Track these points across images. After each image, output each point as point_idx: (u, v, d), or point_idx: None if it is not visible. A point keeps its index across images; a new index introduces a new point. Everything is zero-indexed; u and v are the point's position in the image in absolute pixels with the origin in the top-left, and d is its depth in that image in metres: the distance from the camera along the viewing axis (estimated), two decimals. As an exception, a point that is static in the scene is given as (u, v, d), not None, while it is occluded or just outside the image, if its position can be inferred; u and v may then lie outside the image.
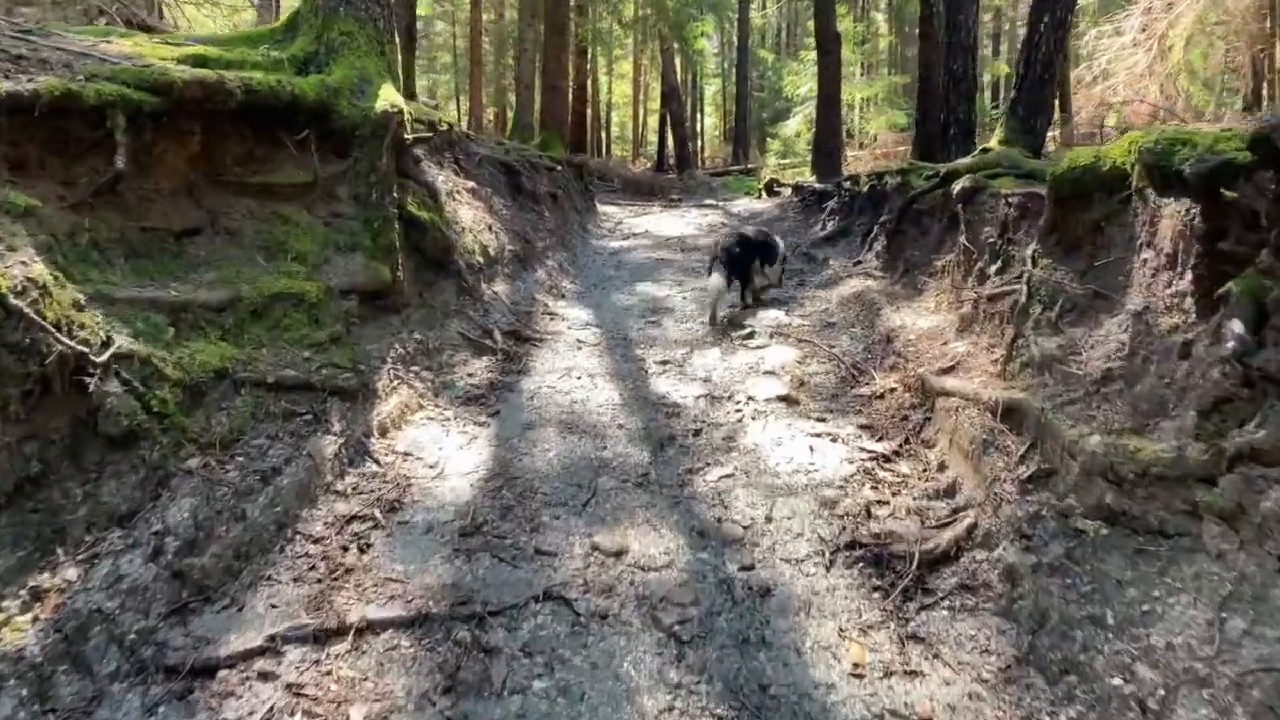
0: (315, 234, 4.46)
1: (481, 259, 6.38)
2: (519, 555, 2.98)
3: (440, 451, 3.87)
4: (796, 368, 5.04)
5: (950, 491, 3.32)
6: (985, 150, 8.52)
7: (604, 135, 41.74)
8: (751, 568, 2.92)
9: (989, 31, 35.59)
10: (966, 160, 6.53)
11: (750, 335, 5.72)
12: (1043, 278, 3.75)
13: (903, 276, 6.39)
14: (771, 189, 17.13)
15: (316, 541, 3.05)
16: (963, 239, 5.17)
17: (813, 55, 28.22)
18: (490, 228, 7.01)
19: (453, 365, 4.96)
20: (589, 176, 14.96)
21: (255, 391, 3.49)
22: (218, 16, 13.76)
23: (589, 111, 34.67)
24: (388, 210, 4.78)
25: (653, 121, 40.97)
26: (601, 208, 15.88)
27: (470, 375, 4.90)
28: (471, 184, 7.36)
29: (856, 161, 18.07)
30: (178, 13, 12.30)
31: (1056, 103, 14.90)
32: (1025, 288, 3.80)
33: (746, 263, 6.80)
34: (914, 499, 3.34)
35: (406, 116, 5.05)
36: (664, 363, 5.34)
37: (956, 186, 5.37)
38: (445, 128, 7.47)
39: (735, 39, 35.39)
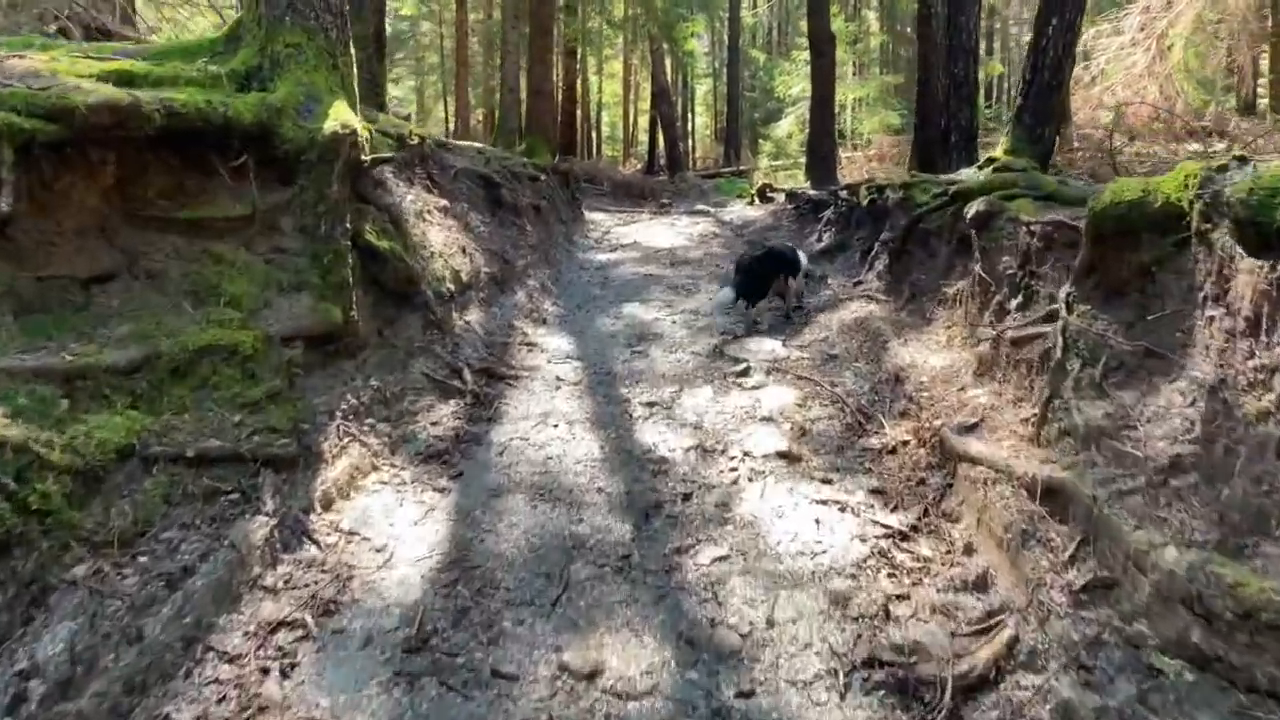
0: (254, 274, 3.95)
1: (453, 286, 5.88)
2: (472, 680, 2.49)
3: (391, 529, 3.37)
4: (797, 412, 4.55)
5: (981, 584, 2.84)
6: (991, 161, 8.07)
7: (595, 135, 41.22)
8: (751, 694, 2.44)
9: (982, 30, 35.27)
10: (976, 176, 6.05)
11: (745, 371, 5.23)
12: (1081, 327, 3.27)
13: (909, 303, 5.91)
14: (764, 195, 16.64)
15: (232, 660, 2.55)
16: (977, 268, 4.70)
17: (805, 55, 27.64)
18: (464, 250, 6.50)
19: (415, 413, 4.46)
20: (576, 184, 14.46)
21: (170, 469, 2.98)
22: (197, 17, 13.10)
23: (579, 112, 34.21)
24: (339, 243, 4.28)
25: (643, 121, 40.42)
26: (590, 215, 15.39)
27: (434, 425, 4.40)
28: (444, 202, 6.86)
29: (851, 165, 17.65)
30: (158, 13, 11.69)
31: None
32: (1060, 338, 3.33)
33: (767, 278, 6.56)
34: (939, 591, 2.86)
35: (362, 136, 4.54)
36: (650, 404, 4.85)
37: (970, 210, 4.89)
38: (416, 141, 6.97)
39: (726, 38, 34.95)
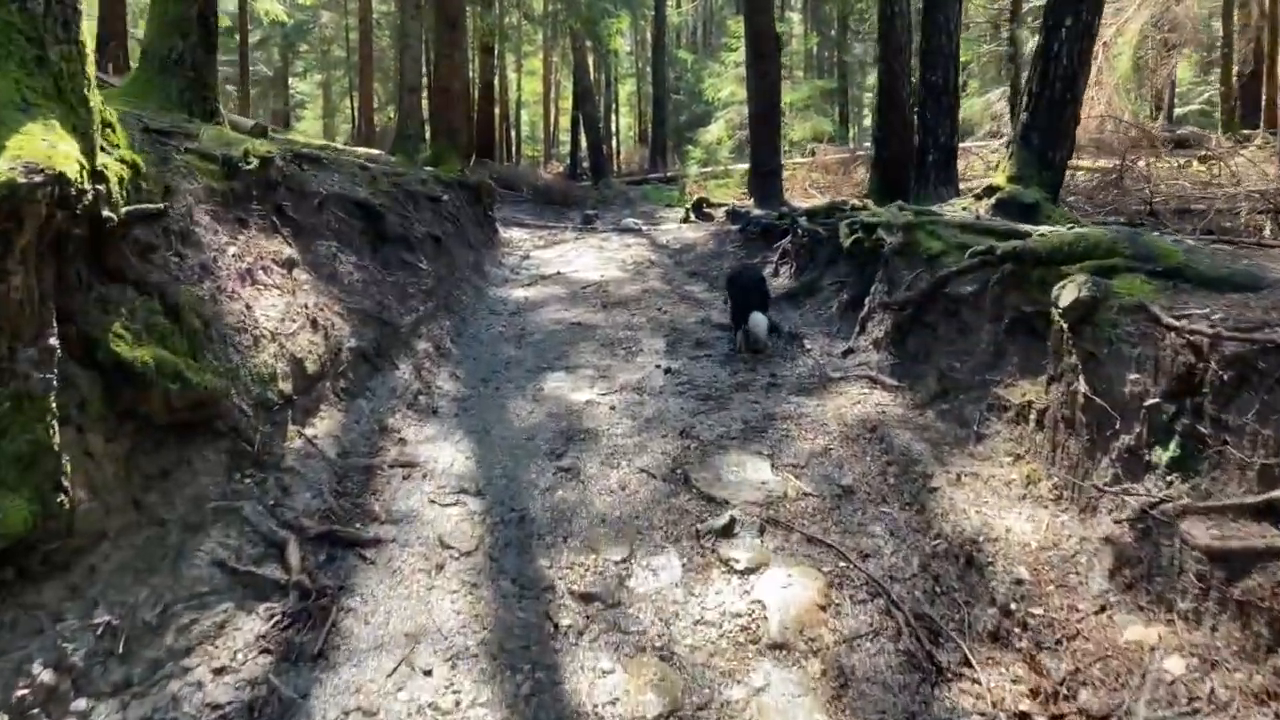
0: None
1: (289, 386, 3.98)
2: None
3: None
4: (822, 627, 2.86)
5: None
6: (992, 191, 6.65)
7: (514, 135, 39.11)
8: None
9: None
10: (1051, 235, 4.45)
11: (730, 528, 3.50)
12: None
13: (937, 400, 4.33)
14: (701, 210, 15.02)
15: None
16: (1081, 385, 3.11)
17: (735, 57, 26.36)
18: (316, 321, 4.60)
19: (186, 653, 2.59)
20: (490, 199, 12.55)
21: None
22: None
23: (497, 111, 32.10)
24: (31, 377, 2.37)
25: (565, 121, 38.55)
26: (507, 232, 13.49)
27: (217, 676, 2.54)
28: (291, 251, 4.94)
29: (791, 180, 16.10)
30: None
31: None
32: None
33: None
34: None
35: (85, 183, 2.63)
36: (586, 597, 3.09)
37: (1064, 294, 3.28)
38: (255, 164, 5.03)
39: (650, 36, 33.35)
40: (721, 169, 24.59)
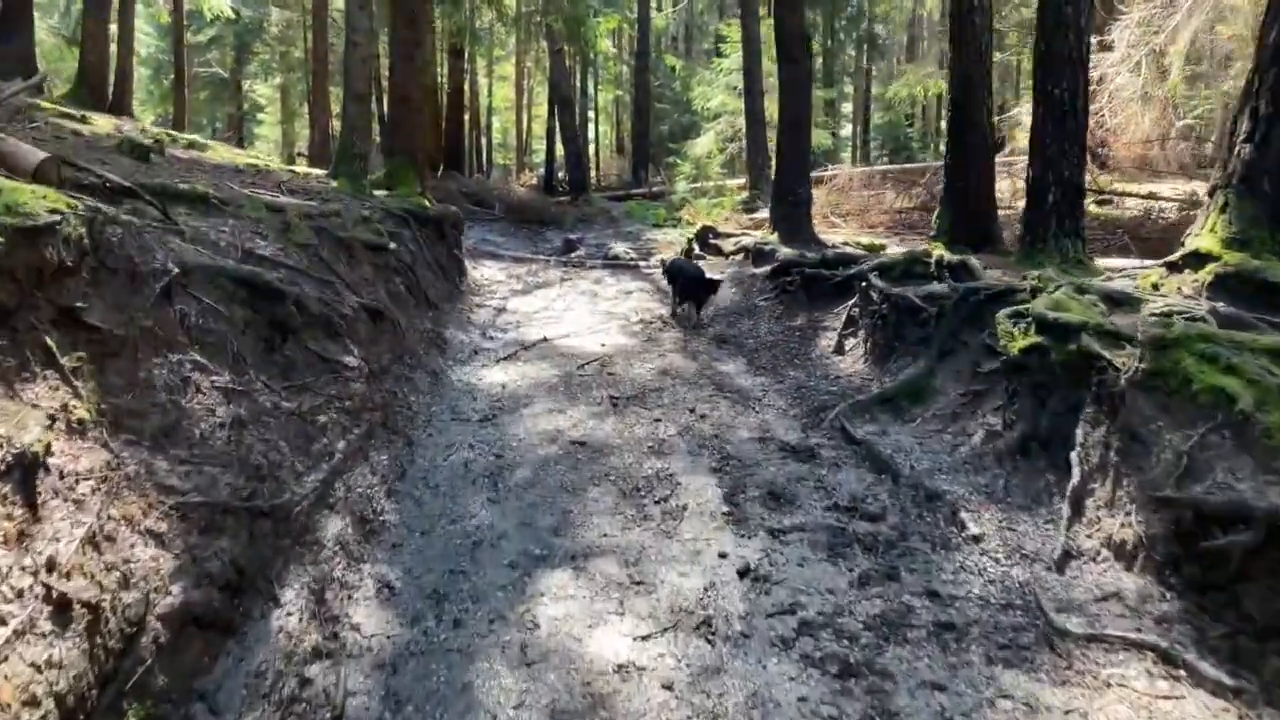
0: None
1: None
2: None
3: None
4: None
5: None
6: (1201, 258, 4.42)
7: (485, 142, 36.60)
8: None
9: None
10: None
11: None
12: None
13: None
14: (706, 241, 12.70)
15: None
16: None
17: (727, 63, 24.20)
18: (78, 596, 2.21)
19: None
20: (458, 229, 10.15)
21: None
22: None
23: (467, 118, 29.60)
24: None
25: (538, 128, 36.14)
26: (477, 269, 11.10)
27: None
28: (82, 402, 2.55)
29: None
30: None
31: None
32: None
33: None
34: None
35: None
36: None
37: None
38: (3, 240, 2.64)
39: (633, 40, 31.07)
40: (712, 185, 22.30)
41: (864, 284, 6.65)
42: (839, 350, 6.62)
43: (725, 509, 4.15)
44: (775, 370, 6.62)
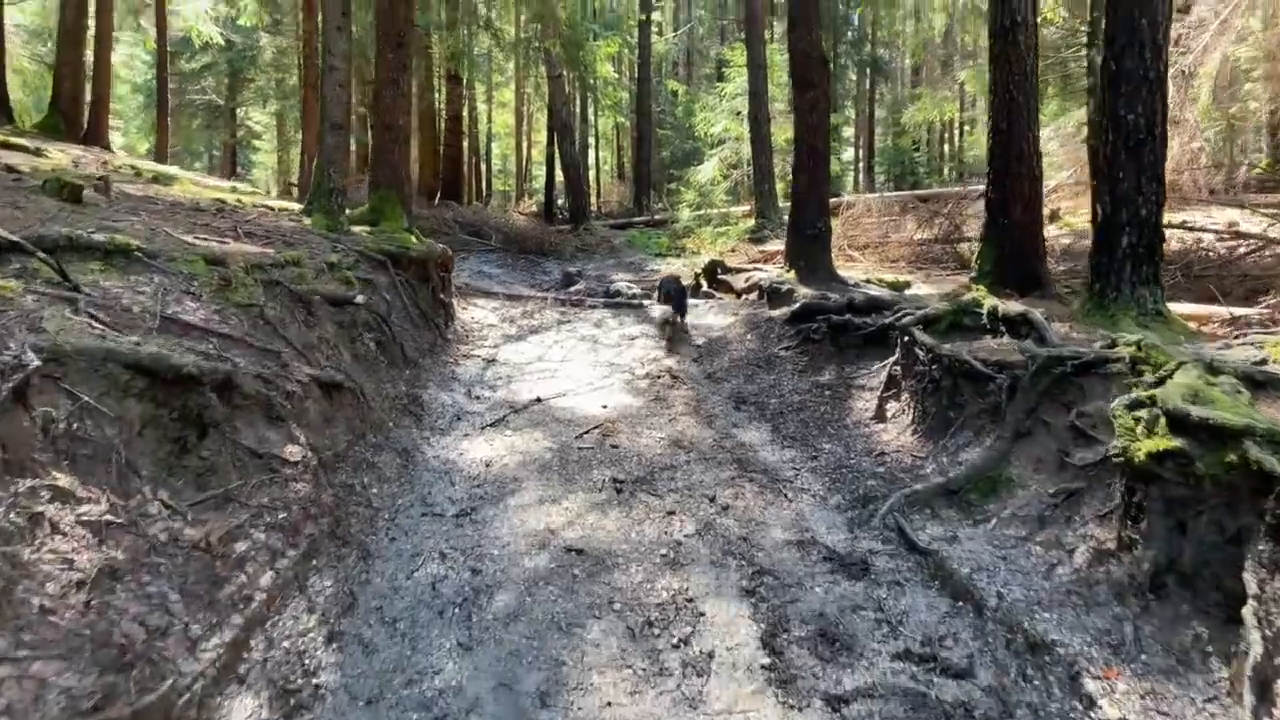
0: None
1: None
2: None
3: None
4: None
5: None
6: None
7: (484, 168, 35.87)
8: None
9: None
10: None
11: None
12: None
13: None
14: (715, 277, 11.84)
15: None
16: None
17: (730, 87, 23.44)
18: None
19: None
20: (446, 270, 9.25)
21: None
22: None
23: (466, 145, 28.90)
24: None
25: (538, 155, 35.40)
26: (466, 310, 10.18)
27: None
28: None
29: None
30: None
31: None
32: None
33: None
34: None
35: None
36: None
37: None
38: None
39: (634, 66, 30.43)
40: (717, 213, 21.47)
41: (906, 339, 5.73)
42: (879, 417, 5.68)
43: (764, 659, 3.19)
44: (806, 441, 5.68)
